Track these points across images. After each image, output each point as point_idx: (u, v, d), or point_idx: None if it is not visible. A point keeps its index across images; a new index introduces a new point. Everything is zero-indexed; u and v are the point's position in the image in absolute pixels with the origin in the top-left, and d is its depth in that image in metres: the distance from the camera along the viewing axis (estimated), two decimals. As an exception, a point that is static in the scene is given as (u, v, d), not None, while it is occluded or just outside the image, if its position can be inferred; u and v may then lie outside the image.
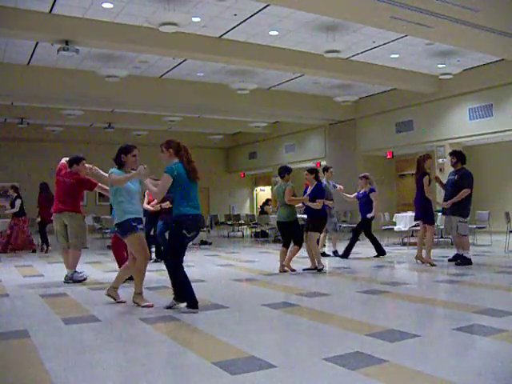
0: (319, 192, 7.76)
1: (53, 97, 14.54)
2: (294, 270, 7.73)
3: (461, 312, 4.80)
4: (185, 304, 4.98)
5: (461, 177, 8.06)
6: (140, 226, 5.29)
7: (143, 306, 5.18)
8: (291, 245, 7.75)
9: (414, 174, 8.64)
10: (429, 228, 8.24)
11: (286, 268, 7.72)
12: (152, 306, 5.18)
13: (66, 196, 6.97)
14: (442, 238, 11.77)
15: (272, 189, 22.96)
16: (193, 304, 4.91)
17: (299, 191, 8.31)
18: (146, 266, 5.41)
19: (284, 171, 7.76)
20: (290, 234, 7.69)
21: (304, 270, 7.85)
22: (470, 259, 8.13)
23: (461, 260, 8.13)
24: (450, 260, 8.53)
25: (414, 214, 8.88)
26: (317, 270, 7.74)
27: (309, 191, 7.88)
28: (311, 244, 7.80)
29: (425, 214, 8.23)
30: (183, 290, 4.96)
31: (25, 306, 5.61)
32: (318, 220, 7.83)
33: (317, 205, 7.64)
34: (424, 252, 8.27)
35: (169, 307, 5.03)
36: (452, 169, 8.49)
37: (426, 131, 15.53)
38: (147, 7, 9.47)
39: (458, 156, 8.27)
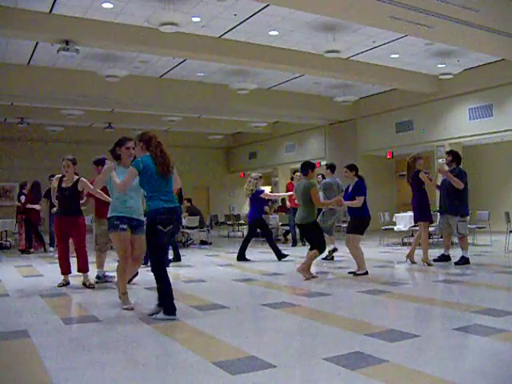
0: (359, 189, 7.32)
1: (53, 97, 14.53)
2: (315, 277, 7.07)
3: (461, 312, 4.80)
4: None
5: (456, 175, 8.26)
6: (123, 226, 5.16)
7: (124, 308, 5.07)
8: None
9: (403, 176, 8.66)
10: (424, 225, 8.31)
11: (306, 275, 6.99)
12: (132, 309, 5.03)
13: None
14: (441, 237, 11.75)
15: (272, 189, 22.94)
16: (170, 310, 4.60)
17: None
18: (125, 265, 5.23)
19: (307, 167, 7.07)
20: (311, 236, 7.08)
21: (349, 273, 7.37)
22: (468, 258, 8.17)
23: (460, 260, 8.16)
24: (435, 260, 8.53)
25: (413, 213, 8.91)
26: (354, 274, 7.24)
27: (350, 188, 7.50)
28: (353, 247, 7.26)
29: (422, 212, 8.29)
30: (160, 294, 4.64)
31: (25, 306, 5.61)
32: (361, 221, 7.28)
33: (356, 202, 7.18)
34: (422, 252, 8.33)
35: (152, 314, 4.72)
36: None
37: (426, 131, 15.53)
38: (147, 7, 9.47)
39: (455, 156, 8.46)
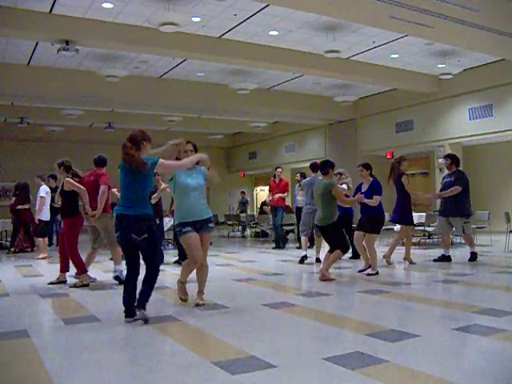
0: (376, 188, 7.37)
1: (53, 97, 14.53)
2: (333, 279, 6.84)
3: (461, 312, 4.80)
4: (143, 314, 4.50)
5: (456, 178, 8.51)
6: (186, 229, 5.00)
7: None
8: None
9: (389, 178, 8.28)
10: (405, 228, 8.40)
11: (326, 276, 6.82)
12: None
13: None
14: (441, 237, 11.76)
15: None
16: (125, 312, 4.58)
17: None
18: (194, 265, 5.26)
19: (328, 166, 6.92)
20: (332, 237, 6.90)
21: (359, 271, 7.46)
22: (477, 253, 8.61)
23: (472, 256, 8.52)
24: (435, 260, 8.65)
25: (415, 213, 9.03)
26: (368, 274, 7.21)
27: (364, 188, 7.52)
28: (369, 247, 7.29)
29: (403, 215, 8.26)
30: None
31: (25, 306, 5.61)
32: (376, 220, 7.36)
33: (374, 201, 7.24)
34: (404, 253, 8.51)
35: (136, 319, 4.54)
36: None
37: (426, 131, 15.53)
38: (147, 7, 9.47)
39: (453, 159, 8.74)
